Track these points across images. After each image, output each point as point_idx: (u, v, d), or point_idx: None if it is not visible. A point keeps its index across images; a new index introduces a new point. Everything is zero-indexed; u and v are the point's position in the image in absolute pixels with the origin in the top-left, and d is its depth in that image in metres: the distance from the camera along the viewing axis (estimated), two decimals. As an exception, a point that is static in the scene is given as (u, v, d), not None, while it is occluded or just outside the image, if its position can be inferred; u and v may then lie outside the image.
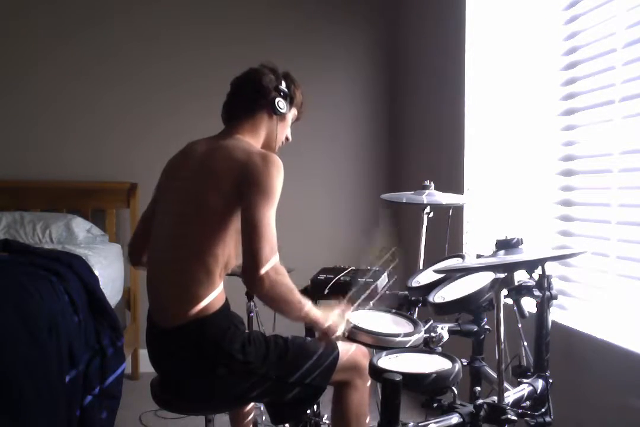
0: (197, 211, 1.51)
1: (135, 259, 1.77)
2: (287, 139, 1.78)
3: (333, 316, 1.48)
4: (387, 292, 1.74)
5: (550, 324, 1.56)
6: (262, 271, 1.35)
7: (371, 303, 1.62)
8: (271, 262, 1.37)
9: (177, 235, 1.54)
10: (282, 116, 1.69)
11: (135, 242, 1.76)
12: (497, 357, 1.28)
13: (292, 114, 1.75)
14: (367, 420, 1.68)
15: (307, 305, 1.44)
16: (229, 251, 1.51)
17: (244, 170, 1.48)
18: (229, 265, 1.53)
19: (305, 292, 1.69)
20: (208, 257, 1.47)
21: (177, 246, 1.53)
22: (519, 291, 1.54)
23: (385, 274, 1.72)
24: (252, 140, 1.65)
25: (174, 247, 1.54)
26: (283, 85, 1.67)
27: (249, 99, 1.65)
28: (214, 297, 1.48)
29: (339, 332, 1.47)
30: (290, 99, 1.70)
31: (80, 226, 3.05)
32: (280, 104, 1.65)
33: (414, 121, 3.34)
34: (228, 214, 1.49)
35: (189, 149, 1.67)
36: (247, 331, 1.57)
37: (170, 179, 1.66)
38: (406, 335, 1.43)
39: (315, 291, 1.76)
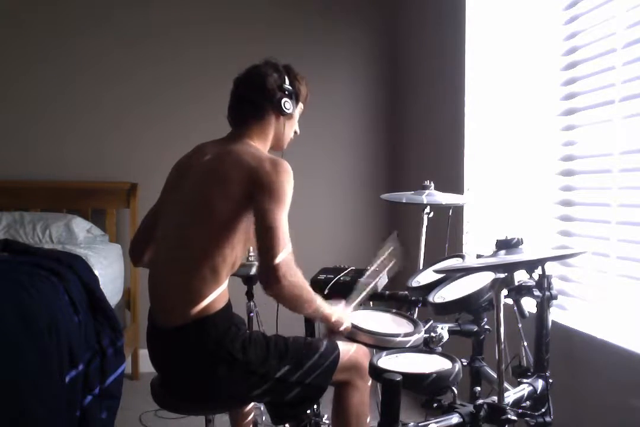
0: (206, 214, 1.52)
1: (137, 255, 1.76)
2: (295, 133, 1.79)
3: (339, 311, 1.54)
4: (386, 292, 1.74)
5: (550, 324, 1.57)
6: (280, 274, 1.38)
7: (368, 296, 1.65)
8: (287, 265, 1.39)
9: (184, 236, 1.54)
10: (289, 115, 1.69)
11: (138, 237, 1.76)
12: (497, 357, 1.28)
13: (298, 109, 1.74)
14: (367, 420, 1.68)
15: (317, 302, 1.49)
16: (237, 252, 1.52)
17: (254, 177, 1.49)
18: (235, 265, 1.55)
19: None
20: (216, 259, 1.48)
21: (183, 246, 1.53)
22: (519, 291, 1.54)
23: (385, 274, 1.72)
24: (262, 143, 1.66)
25: (180, 247, 1.54)
26: (287, 83, 1.66)
27: (256, 103, 1.65)
28: (217, 295, 1.49)
29: (345, 326, 1.51)
30: (295, 95, 1.69)
31: (80, 226, 3.05)
32: (287, 104, 1.65)
33: (414, 121, 3.33)
34: (237, 218, 1.50)
35: (198, 151, 1.67)
36: (247, 331, 1.57)
37: (178, 180, 1.66)
38: (406, 335, 1.44)
39: (315, 291, 1.75)
